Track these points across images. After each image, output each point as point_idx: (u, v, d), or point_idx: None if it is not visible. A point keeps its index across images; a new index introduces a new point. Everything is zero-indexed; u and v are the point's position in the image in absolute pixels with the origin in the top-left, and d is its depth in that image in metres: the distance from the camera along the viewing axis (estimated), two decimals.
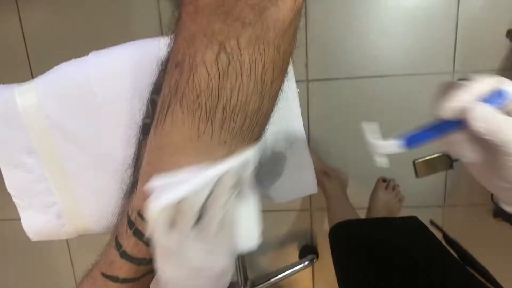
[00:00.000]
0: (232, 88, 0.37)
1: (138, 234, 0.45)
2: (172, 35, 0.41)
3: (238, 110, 0.38)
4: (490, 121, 0.34)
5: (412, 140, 0.38)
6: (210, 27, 0.35)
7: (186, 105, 0.38)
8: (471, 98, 0.35)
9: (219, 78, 0.36)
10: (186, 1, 0.36)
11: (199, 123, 0.38)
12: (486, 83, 0.35)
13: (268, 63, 0.37)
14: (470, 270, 0.69)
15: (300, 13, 0.37)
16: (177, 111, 0.39)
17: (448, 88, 0.37)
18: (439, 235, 0.80)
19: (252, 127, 0.41)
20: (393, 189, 1.40)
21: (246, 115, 0.39)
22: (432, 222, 0.64)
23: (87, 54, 0.52)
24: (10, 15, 1.36)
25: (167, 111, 0.40)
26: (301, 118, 0.53)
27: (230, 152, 0.41)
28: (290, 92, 0.51)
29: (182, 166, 0.41)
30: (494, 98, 0.34)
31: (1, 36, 1.38)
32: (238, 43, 0.35)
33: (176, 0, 0.39)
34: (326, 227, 1.47)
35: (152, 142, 0.43)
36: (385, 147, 0.37)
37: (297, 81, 0.53)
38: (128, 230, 0.46)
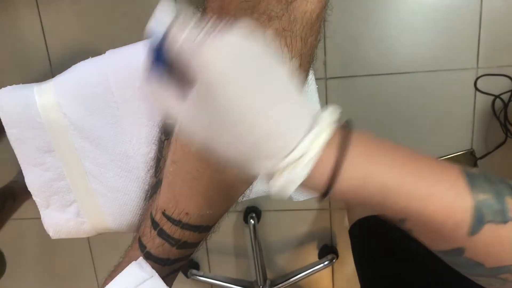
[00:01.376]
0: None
1: (164, 234, 0.45)
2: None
3: None
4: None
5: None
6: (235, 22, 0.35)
7: None
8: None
9: None
10: None
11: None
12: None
13: (295, 56, 0.36)
14: None
15: (326, 5, 0.37)
16: None
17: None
18: None
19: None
20: None
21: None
22: None
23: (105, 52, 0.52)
24: (32, 17, 1.38)
25: None
26: None
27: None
28: (309, 88, 0.50)
29: (210, 163, 0.41)
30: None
31: (23, 37, 1.41)
32: (265, 37, 0.35)
33: None
34: (345, 226, 1.45)
35: (177, 140, 0.42)
36: None
37: (315, 79, 0.52)
38: (152, 231, 0.46)
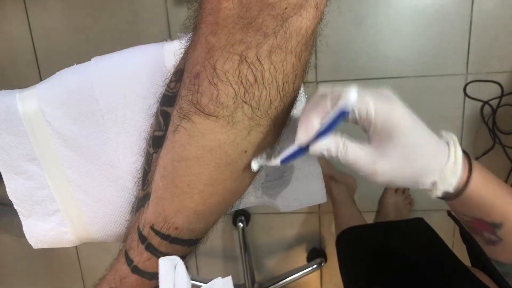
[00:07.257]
0: (252, 97, 0.35)
1: (152, 249, 0.44)
2: (189, 44, 0.40)
3: (259, 119, 0.37)
4: (324, 155, 0.37)
5: (285, 160, 0.40)
6: (230, 38, 0.34)
7: (205, 116, 0.37)
8: (315, 128, 0.36)
9: (239, 88, 0.35)
10: (206, 12, 0.35)
11: (219, 133, 0.37)
12: (329, 102, 0.36)
13: (289, 72, 0.36)
14: (478, 271, 0.67)
15: (321, 21, 0.36)
16: (196, 122, 0.37)
17: (306, 110, 0.38)
18: (449, 233, 0.79)
19: (272, 133, 0.40)
20: (403, 192, 1.37)
21: (267, 123, 0.38)
22: (449, 214, 0.63)
23: (95, 55, 0.51)
24: (18, 16, 1.35)
25: (185, 122, 0.38)
26: None
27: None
28: (300, 99, 0.49)
29: (201, 178, 0.40)
30: (337, 120, 0.35)
31: (9, 37, 1.38)
32: (259, 53, 0.34)
33: (191, 5, 0.38)
34: (334, 230, 1.45)
35: (168, 155, 0.41)
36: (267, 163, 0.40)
37: (306, 83, 0.51)
38: (140, 244, 0.45)
